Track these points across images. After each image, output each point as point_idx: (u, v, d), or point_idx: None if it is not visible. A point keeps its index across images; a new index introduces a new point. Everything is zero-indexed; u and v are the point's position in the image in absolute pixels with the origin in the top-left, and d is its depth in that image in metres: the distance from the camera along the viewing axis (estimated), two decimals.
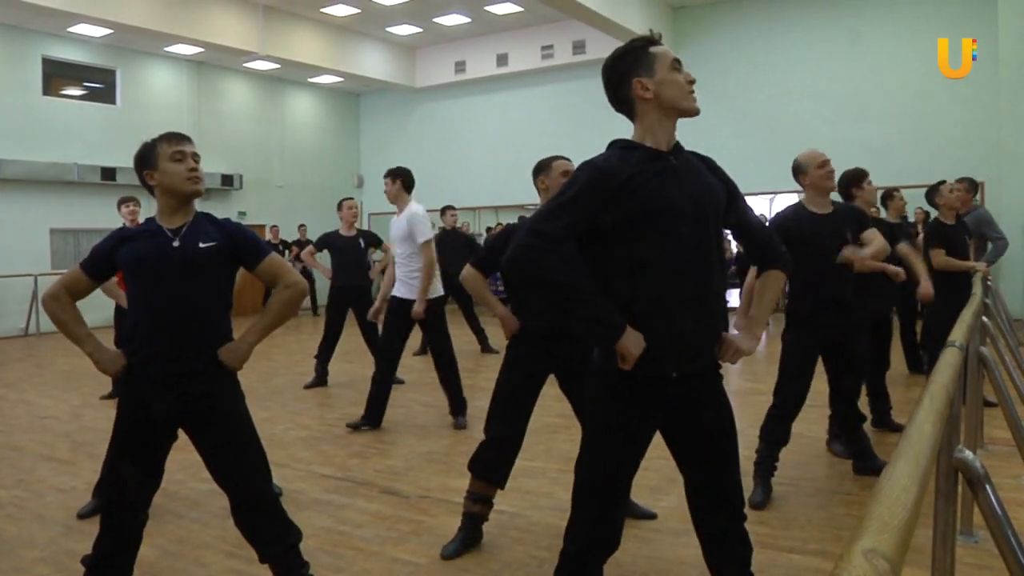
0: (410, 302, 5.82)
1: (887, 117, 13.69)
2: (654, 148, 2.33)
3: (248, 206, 17.07)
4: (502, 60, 17.33)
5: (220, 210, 16.89)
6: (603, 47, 15.87)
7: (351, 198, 8.29)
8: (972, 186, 6.72)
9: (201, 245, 2.72)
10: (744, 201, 2.42)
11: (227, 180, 16.86)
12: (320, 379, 8.02)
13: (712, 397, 2.32)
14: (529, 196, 17.17)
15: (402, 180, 6.07)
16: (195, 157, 2.81)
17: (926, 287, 5.63)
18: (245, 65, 16.84)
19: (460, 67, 17.91)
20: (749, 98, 14.90)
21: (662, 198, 2.15)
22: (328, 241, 8.04)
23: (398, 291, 5.91)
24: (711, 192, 2.27)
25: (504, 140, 17.75)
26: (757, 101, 14.79)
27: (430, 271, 5.81)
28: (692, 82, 2.33)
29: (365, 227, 19.18)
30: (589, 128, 16.65)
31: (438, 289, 5.96)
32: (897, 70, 13.60)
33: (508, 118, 17.86)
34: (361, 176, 20.17)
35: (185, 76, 16.54)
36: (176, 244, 2.72)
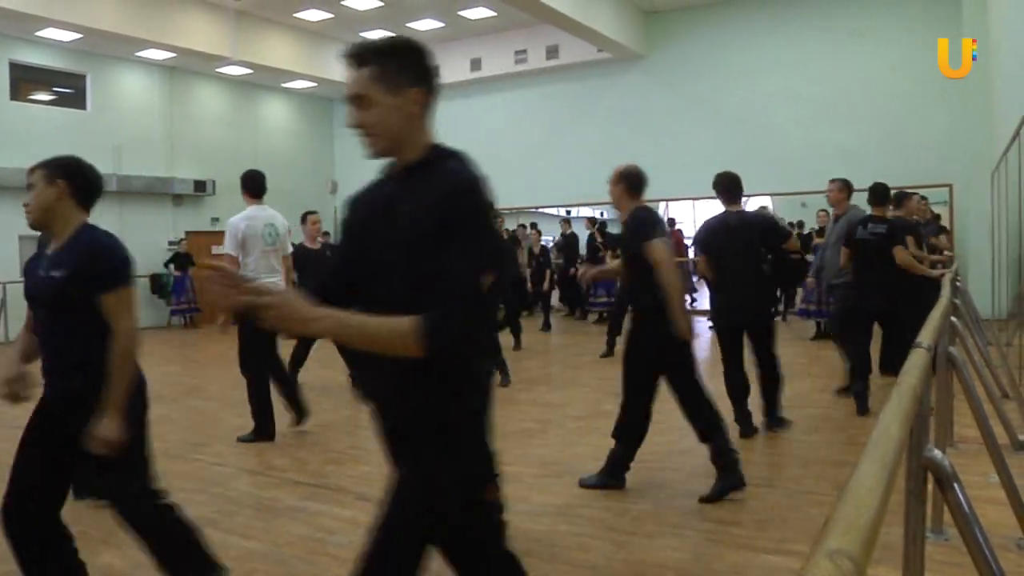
0: None
1: (861, 120, 13.84)
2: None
3: (221, 212, 16.91)
4: (476, 65, 17.34)
5: (193, 216, 16.75)
6: (576, 52, 15.95)
7: (315, 212, 8.44)
8: (845, 186, 6.90)
9: (52, 274, 2.67)
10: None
11: (200, 186, 16.73)
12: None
13: None
14: (504, 200, 17.12)
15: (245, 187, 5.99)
16: (29, 187, 2.77)
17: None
18: (217, 70, 16.75)
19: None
20: (723, 102, 15.02)
21: None
22: (302, 259, 8.06)
23: None
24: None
25: (478, 144, 17.42)
26: (731, 105, 14.91)
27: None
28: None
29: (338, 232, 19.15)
30: (562, 132, 16.77)
31: None
32: (871, 73, 13.77)
33: (482, 123, 17.85)
34: (335, 182, 20.08)
35: (157, 81, 16.40)
36: (41, 273, 2.72)
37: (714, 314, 5.94)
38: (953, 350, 3.41)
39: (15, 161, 13.92)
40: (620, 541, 3.71)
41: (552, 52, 16.41)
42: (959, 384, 3.51)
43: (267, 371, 5.81)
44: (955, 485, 1.68)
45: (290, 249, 6.11)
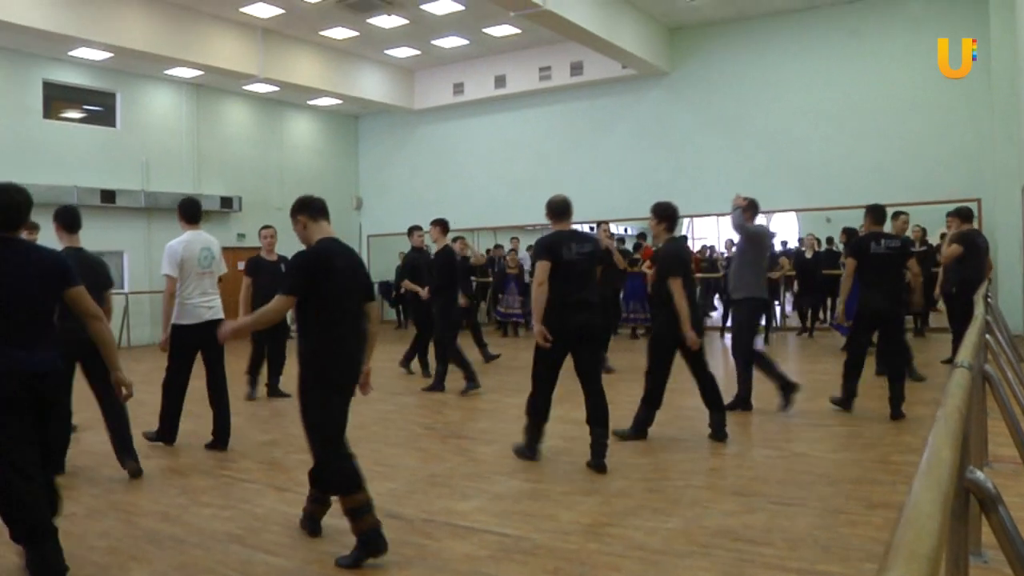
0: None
1: (886, 135, 13.74)
2: None
3: (247, 228, 17.06)
4: (500, 82, 17.42)
5: (219, 233, 16.87)
6: (600, 68, 15.98)
7: (269, 226, 8.83)
8: (752, 205, 7.08)
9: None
10: None
11: (226, 202, 16.89)
12: (254, 392, 8.54)
13: None
14: (527, 217, 17.33)
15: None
16: None
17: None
18: (244, 88, 16.93)
19: (458, 89, 18.00)
20: (747, 118, 14.98)
21: None
22: (254, 266, 8.53)
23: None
24: None
25: (502, 161, 17.83)
26: (755, 121, 14.87)
27: (168, 301, 6.16)
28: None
29: (364, 249, 19.19)
30: (586, 149, 16.79)
31: (194, 315, 6.13)
32: (894, 88, 13.68)
33: (506, 139, 17.94)
34: (360, 198, 20.23)
35: (184, 99, 16.61)
36: None
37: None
38: (988, 368, 3.35)
39: (46, 178, 14.15)
40: (651, 560, 3.67)
41: (576, 69, 16.45)
42: (993, 402, 3.46)
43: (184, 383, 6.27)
44: (1000, 507, 1.64)
45: (225, 270, 6.55)
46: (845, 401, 6.93)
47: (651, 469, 5.36)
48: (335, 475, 3.79)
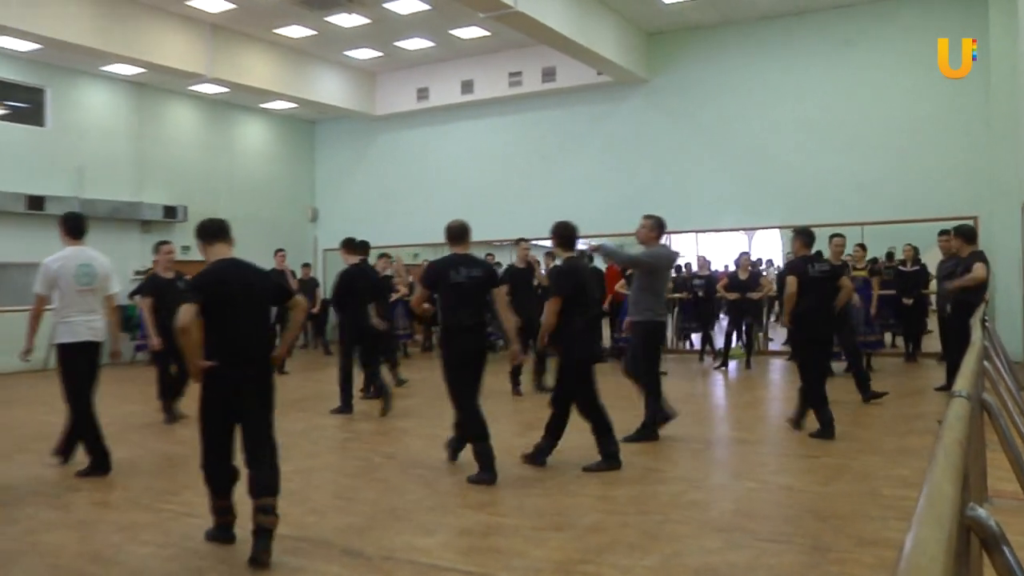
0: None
1: (876, 149, 13.90)
2: None
3: (193, 239, 16.94)
4: (467, 87, 17.46)
5: None
6: (574, 74, 16.09)
7: (168, 242, 9.01)
8: (656, 224, 7.28)
9: None
10: None
11: (170, 212, 16.67)
12: (172, 417, 8.64)
13: None
14: (497, 231, 17.32)
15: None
16: None
17: None
18: (191, 88, 16.78)
19: (423, 94, 18.03)
20: (729, 129, 15.14)
21: None
22: (151, 286, 8.69)
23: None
24: None
25: (469, 172, 17.85)
26: (738, 132, 15.04)
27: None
28: None
29: (320, 264, 19.09)
30: (559, 160, 16.88)
31: (74, 334, 6.29)
32: (886, 98, 13.88)
33: (473, 149, 17.98)
34: (316, 209, 20.12)
35: (124, 98, 16.41)
36: None
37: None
38: (987, 397, 3.39)
39: None
40: None
41: (548, 75, 16.55)
42: (992, 433, 3.50)
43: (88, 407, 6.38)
44: (1004, 547, 1.65)
45: (114, 289, 6.59)
46: (825, 430, 7.12)
47: (626, 501, 5.37)
48: (204, 477, 4.57)
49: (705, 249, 15.56)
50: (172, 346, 8.37)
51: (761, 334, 14.33)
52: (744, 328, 12.87)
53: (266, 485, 4.40)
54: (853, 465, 6.23)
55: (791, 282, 7.33)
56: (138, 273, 15.75)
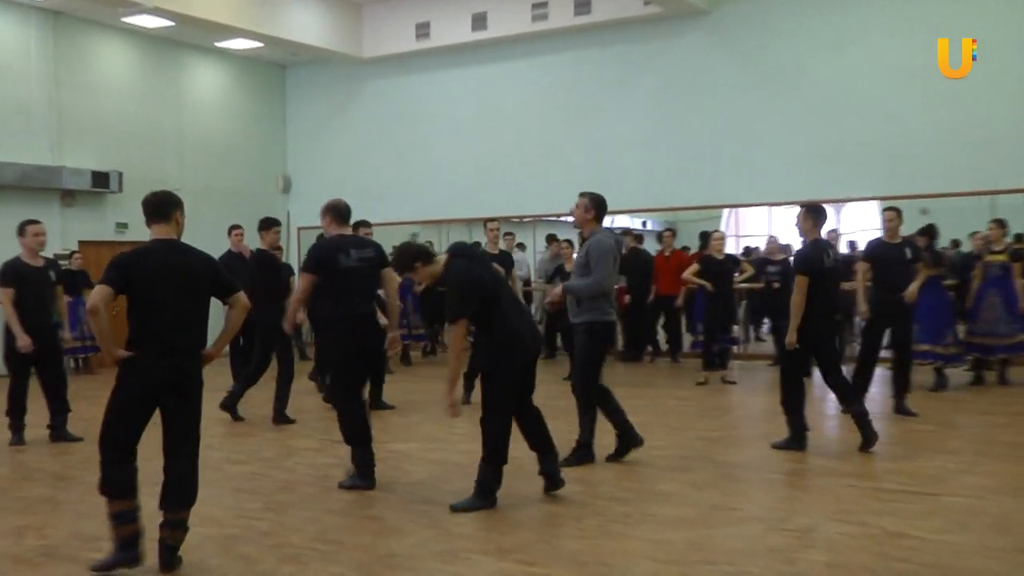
0: None
1: (998, 98, 13.67)
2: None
3: (131, 215, 16.89)
4: (479, 22, 17.43)
5: (90, 220, 16.61)
6: (614, 5, 16.01)
7: (37, 221, 8.99)
8: (596, 204, 7.48)
9: None
10: None
11: (100, 179, 16.45)
12: (19, 438, 8.95)
13: None
14: (517, 205, 17.29)
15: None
16: None
17: None
18: (124, 20, 16.55)
19: (423, 31, 18.00)
20: (813, 74, 14.96)
21: None
22: (13, 274, 8.74)
23: None
24: None
25: (482, 130, 17.75)
26: (823, 77, 14.85)
27: None
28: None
29: (292, 245, 19.11)
30: (593, 114, 16.77)
31: None
32: (1008, 35, 13.65)
33: (487, 100, 17.88)
34: (287, 178, 20.10)
35: (34, 31, 16.07)
36: None
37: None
38: None
39: None
40: None
41: (582, 6, 16.49)
42: None
43: None
44: None
45: None
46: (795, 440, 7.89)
47: (686, 547, 5.34)
48: (102, 478, 4.92)
49: (780, 227, 15.43)
50: (44, 349, 8.77)
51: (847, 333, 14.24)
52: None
53: (181, 496, 4.94)
54: (987, 508, 6.15)
55: (801, 283, 7.81)
56: (59, 257, 15.63)
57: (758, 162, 15.03)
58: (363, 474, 6.74)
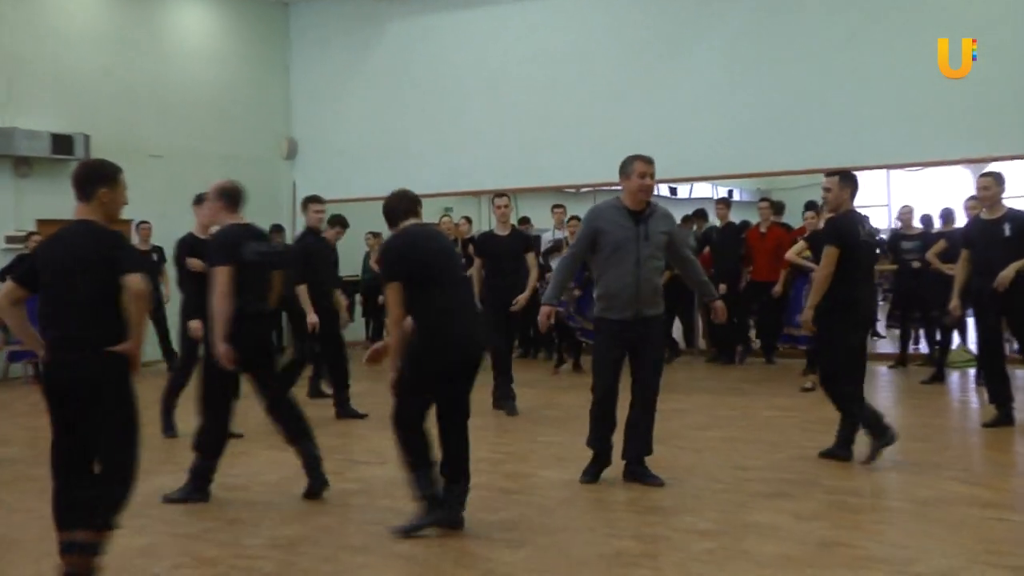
0: None
1: None
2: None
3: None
4: None
5: (50, 194, 16.55)
6: None
7: None
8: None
9: None
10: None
11: (62, 144, 16.47)
12: None
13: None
14: (569, 174, 17.27)
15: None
16: None
17: None
18: None
19: None
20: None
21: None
22: None
23: None
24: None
25: (528, 83, 17.67)
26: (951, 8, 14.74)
27: None
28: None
29: (297, 224, 19.13)
30: (664, 57, 16.61)
31: None
32: None
33: (536, 43, 17.80)
34: (293, 141, 20.13)
35: None
36: None
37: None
38: None
39: None
40: None
41: None
42: None
43: None
44: None
45: None
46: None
47: None
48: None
49: (904, 193, 15.24)
50: None
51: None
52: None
53: (84, 511, 5.08)
54: None
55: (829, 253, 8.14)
56: (11, 239, 15.72)
57: (874, 116, 14.85)
58: (198, 487, 7.29)
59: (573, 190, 17.88)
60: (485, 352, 6.96)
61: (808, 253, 11.65)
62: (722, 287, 13.41)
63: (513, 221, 12.23)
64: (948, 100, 14.41)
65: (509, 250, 11.23)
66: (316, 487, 7.37)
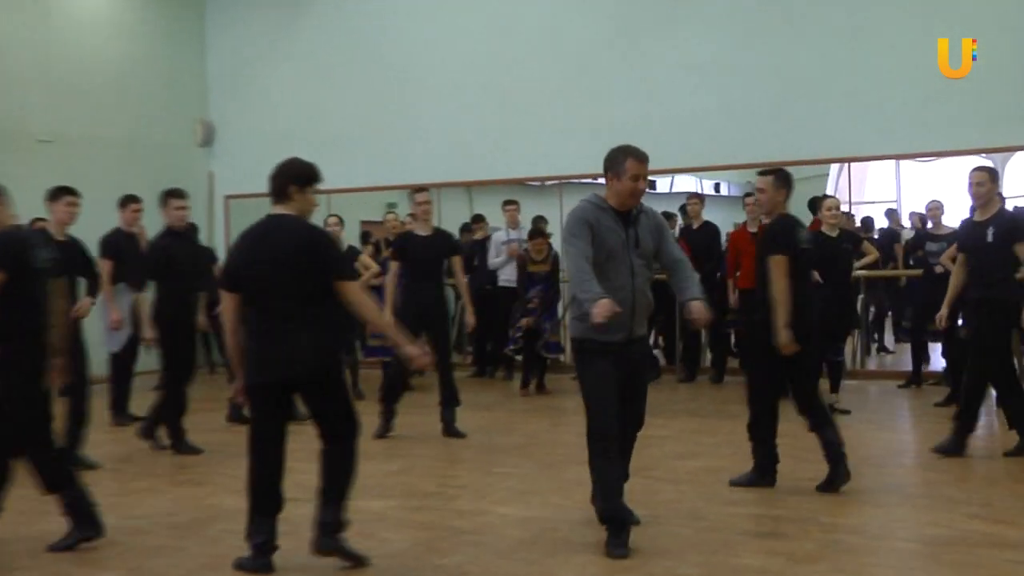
0: None
1: None
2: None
3: None
4: None
5: None
6: None
7: None
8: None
9: None
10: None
11: None
12: None
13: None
14: (533, 165, 17.30)
15: None
16: None
17: None
18: None
19: None
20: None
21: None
22: None
23: None
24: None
25: (489, 60, 17.68)
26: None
27: None
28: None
29: (218, 220, 19.10)
30: (643, 35, 16.63)
31: None
32: None
33: (496, 17, 17.82)
34: (209, 125, 20.04)
35: None
36: None
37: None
38: None
39: None
40: None
41: None
42: None
43: None
44: None
45: None
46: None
47: None
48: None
49: (917, 188, 15.32)
50: None
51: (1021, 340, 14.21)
52: None
53: None
54: None
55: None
56: None
57: (880, 102, 14.95)
58: (83, 523, 7.12)
59: (537, 183, 17.86)
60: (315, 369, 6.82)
61: None
62: None
63: (467, 219, 12.28)
64: (960, 84, 14.56)
65: (431, 253, 11.30)
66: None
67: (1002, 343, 9.73)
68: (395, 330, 7.29)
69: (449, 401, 11.19)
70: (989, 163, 11.67)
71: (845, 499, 8.12)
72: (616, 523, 6.93)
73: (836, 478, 8.31)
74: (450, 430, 11.19)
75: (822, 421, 8.52)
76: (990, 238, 9.50)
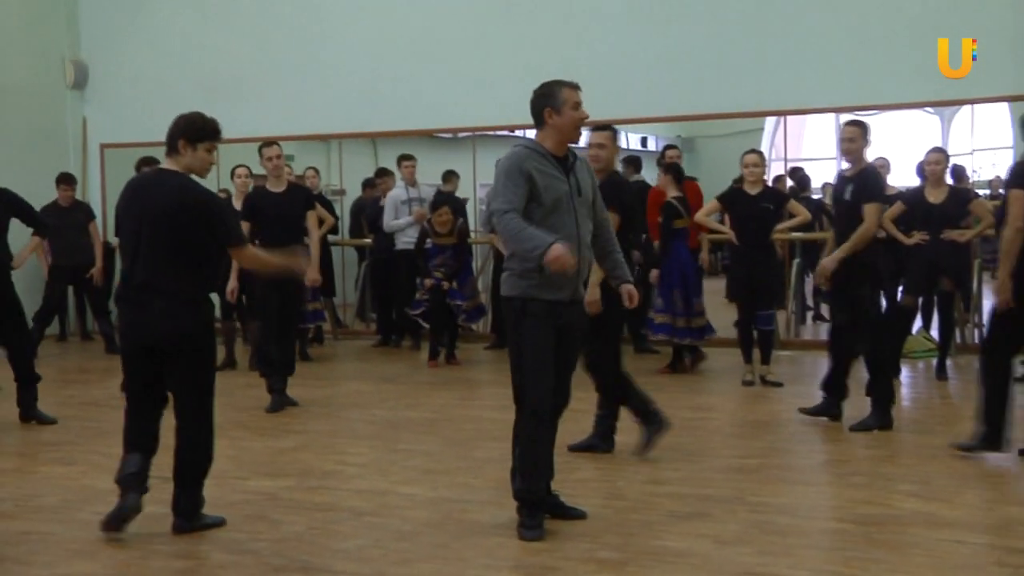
0: None
1: None
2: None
3: None
4: None
5: None
6: None
7: None
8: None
9: None
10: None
11: None
12: None
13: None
14: (442, 116, 17.27)
15: None
16: None
17: None
18: None
19: None
20: None
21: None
22: None
23: None
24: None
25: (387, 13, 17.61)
26: None
27: None
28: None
29: (93, 173, 18.95)
30: (544, 5, 16.61)
31: None
32: None
33: None
34: (81, 65, 19.79)
35: None
36: None
37: None
38: None
39: None
40: None
41: None
42: None
43: None
44: None
45: None
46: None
47: None
48: None
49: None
50: None
51: (964, 309, 14.40)
52: (937, 299, 13.01)
53: None
54: None
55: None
56: None
57: (819, 52, 15.10)
58: None
59: (449, 135, 17.90)
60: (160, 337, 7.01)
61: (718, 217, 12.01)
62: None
63: (370, 174, 12.29)
64: (908, 31, 14.77)
65: (285, 211, 11.40)
66: None
67: (868, 297, 10.23)
68: (282, 259, 7.97)
69: (278, 368, 11.37)
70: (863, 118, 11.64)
71: (774, 477, 8.28)
72: (532, 504, 6.95)
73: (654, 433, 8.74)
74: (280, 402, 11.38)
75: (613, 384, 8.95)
76: (847, 195, 9.88)
